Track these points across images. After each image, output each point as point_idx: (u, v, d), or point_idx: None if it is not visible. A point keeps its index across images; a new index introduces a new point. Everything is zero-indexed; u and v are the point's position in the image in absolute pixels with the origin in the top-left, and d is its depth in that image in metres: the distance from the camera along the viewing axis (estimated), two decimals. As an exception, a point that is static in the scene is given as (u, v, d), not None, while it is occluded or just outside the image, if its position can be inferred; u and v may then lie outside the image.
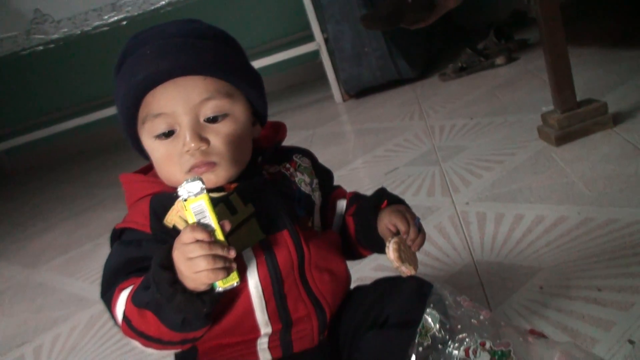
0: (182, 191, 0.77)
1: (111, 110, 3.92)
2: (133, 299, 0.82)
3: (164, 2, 4.30)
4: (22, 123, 4.71)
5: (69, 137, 4.64)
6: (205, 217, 0.77)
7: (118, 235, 0.93)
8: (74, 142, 4.79)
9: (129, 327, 0.84)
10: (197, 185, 0.77)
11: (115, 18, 4.42)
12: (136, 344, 0.86)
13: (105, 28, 4.43)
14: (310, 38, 3.64)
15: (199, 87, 0.87)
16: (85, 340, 1.66)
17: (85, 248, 2.43)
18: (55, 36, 4.54)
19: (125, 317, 0.83)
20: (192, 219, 0.77)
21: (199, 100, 0.87)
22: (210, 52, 0.89)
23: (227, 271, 0.77)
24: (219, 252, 0.76)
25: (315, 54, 3.62)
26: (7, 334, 1.88)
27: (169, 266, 0.78)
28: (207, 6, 4.39)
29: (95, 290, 1.96)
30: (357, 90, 3.54)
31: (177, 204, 0.86)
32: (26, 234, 2.98)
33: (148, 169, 0.99)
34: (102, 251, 2.28)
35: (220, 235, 0.77)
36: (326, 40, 3.52)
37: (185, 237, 0.76)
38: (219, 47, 0.91)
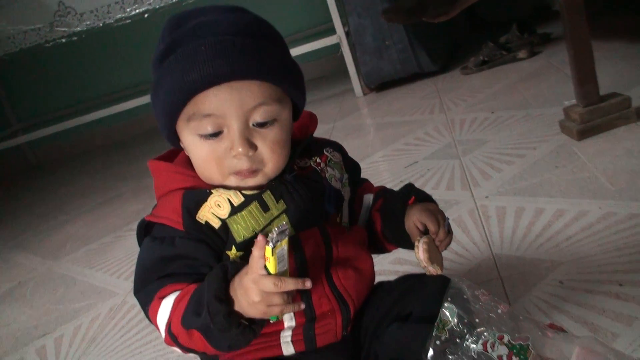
0: (272, 239, 0.77)
1: (133, 103, 3.93)
2: (183, 322, 0.82)
3: (185, -5, 4.31)
4: (45, 115, 4.76)
5: (91, 129, 4.68)
6: (285, 262, 0.79)
7: (146, 228, 0.93)
8: (96, 135, 4.84)
9: (175, 342, 0.85)
10: (284, 233, 0.78)
11: (137, 10, 4.44)
12: (177, 350, 0.88)
13: (128, 21, 4.46)
14: (331, 31, 3.64)
15: (253, 92, 0.84)
16: (105, 332, 1.68)
17: (106, 240, 2.45)
18: (78, 29, 4.58)
19: (171, 333, 0.84)
20: (273, 266, 0.77)
21: (253, 105, 0.85)
22: (270, 57, 0.86)
23: (294, 301, 0.80)
24: (292, 288, 0.78)
25: (336, 47, 3.61)
26: (29, 325, 1.90)
27: (224, 298, 0.79)
28: (228, -1, 4.40)
29: (115, 282, 1.98)
30: (378, 84, 3.53)
31: (210, 201, 0.87)
32: (48, 225, 3.01)
33: (173, 153, 0.98)
34: (123, 243, 2.30)
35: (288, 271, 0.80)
36: (347, 34, 3.51)
37: (268, 287, 0.77)
38: (275, 50, 0.88)
